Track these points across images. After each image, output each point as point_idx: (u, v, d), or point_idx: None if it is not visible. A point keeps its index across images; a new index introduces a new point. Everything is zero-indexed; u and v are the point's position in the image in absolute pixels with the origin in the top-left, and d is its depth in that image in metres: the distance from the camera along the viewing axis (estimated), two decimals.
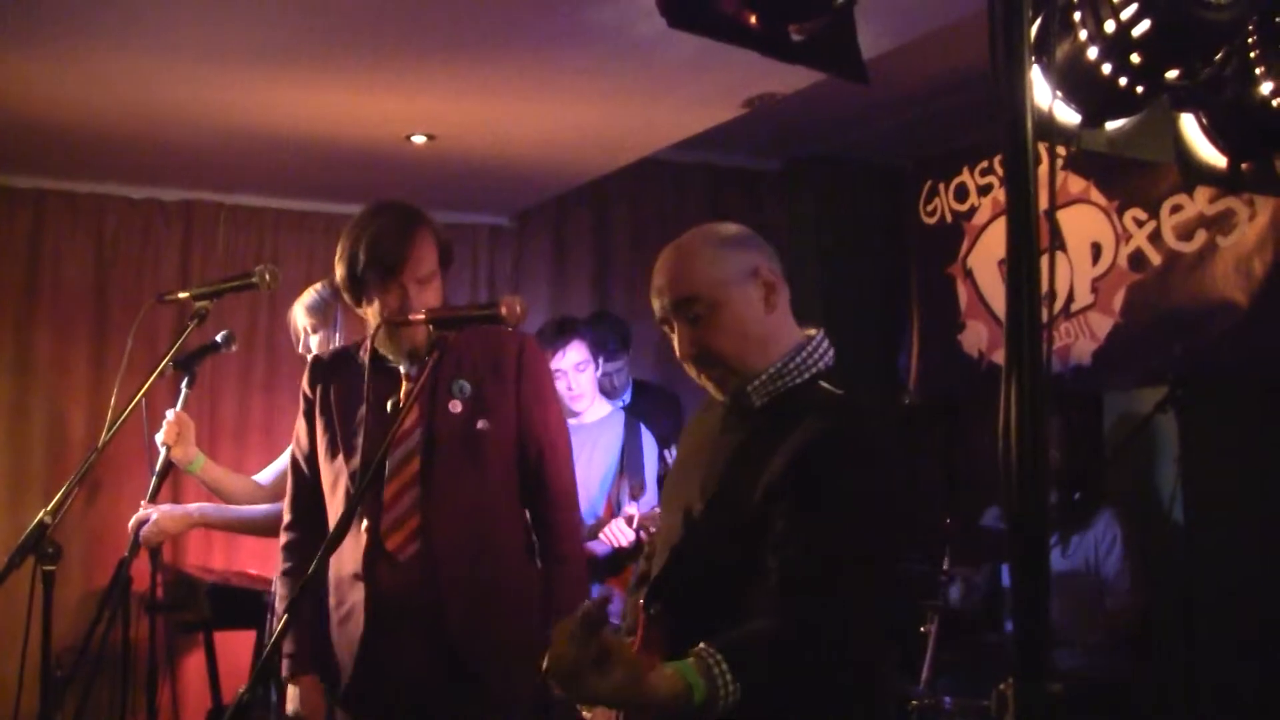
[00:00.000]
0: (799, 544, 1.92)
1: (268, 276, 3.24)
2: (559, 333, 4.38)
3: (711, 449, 2.15)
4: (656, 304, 2.14)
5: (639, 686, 1.79)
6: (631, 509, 4.22)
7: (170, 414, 3.44)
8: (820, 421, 1.99)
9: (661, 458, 4.54)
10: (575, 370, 4.32)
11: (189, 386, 3.42)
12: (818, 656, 1.92)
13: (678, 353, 2.13)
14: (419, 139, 4.66)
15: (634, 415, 4.57)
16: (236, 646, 4.79)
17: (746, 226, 2.21)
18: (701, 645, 1.86)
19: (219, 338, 3.50)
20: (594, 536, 4.19)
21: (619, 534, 4.19)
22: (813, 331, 2.17)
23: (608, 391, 4.69)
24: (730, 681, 1.82)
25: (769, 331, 2.10)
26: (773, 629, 1.90)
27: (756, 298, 2.09)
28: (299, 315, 3.57)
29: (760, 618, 1.92)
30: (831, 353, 2.13)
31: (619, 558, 4.26)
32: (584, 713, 2.25)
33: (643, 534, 4.19)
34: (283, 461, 3.76)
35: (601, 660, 1.76)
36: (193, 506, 3.59)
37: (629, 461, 4.40)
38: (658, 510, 4.19)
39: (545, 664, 1.77)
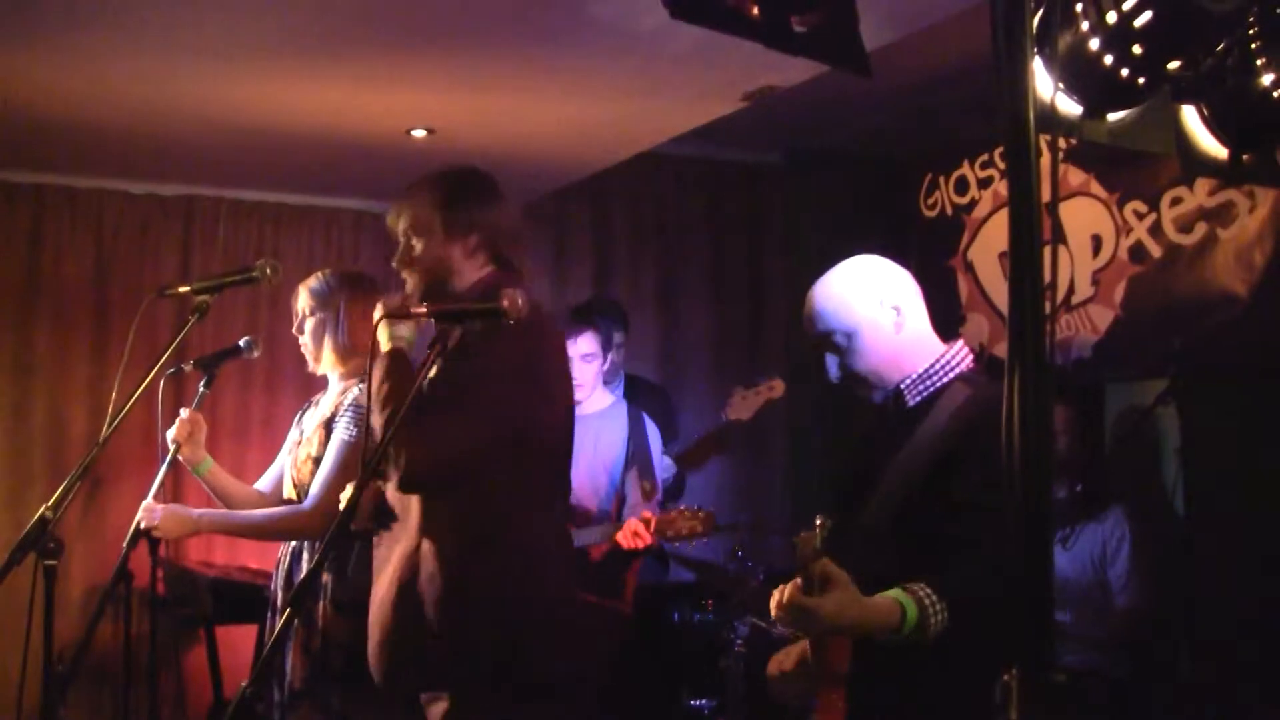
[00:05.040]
0: (972, 503, 2.21)
1: (268, 271, 3.24)
2: (572, 320, 4.36)
3: (876, 444, 2.50)
4: (808, 334, 2.53)
5: (859, 602, 2.07)
6: (647, 512, 4.12)
7: (184, 412, 3.44)
8: (966, 409, 2.36)
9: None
10: (582, 361, 4.22)
11: (207, 387, 3.41)
12: (999, 591, 2.08)
13: (829, 375, 2.50)
14: (419, 133, 4.66)
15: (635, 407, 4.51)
16: (238, 641, 4.79)
17: (881, 258, 2.57)
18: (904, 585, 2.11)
19: (242, 343, 3.50)
20: (608, 538, 4.12)
21: (638, 538, 4.07)
22: (953, 343, 2.54)
23: (608, 374, 4.65)
24: (941, 610, 2.09)
25: (901, 349, 2.46)
26: (964, 568, 2.16)
27: (886, 323, 2.45)
28: (301, 296, 3.57)
29: (949, 562, 2.18)
30: (970, 358, 2.50)
31: (618, 557, 4.18)
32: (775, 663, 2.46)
33: (660, 540, 4.10)
34: (278, 466, 3.74)
35: (824, 580, 2.04)
36: (197, 512, 3.48)
37: (637, 454, 4.34)
38: (676, 511, 4.16)
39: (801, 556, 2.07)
